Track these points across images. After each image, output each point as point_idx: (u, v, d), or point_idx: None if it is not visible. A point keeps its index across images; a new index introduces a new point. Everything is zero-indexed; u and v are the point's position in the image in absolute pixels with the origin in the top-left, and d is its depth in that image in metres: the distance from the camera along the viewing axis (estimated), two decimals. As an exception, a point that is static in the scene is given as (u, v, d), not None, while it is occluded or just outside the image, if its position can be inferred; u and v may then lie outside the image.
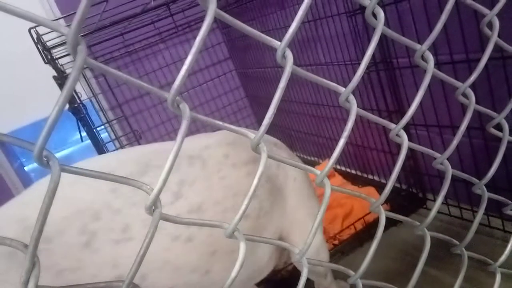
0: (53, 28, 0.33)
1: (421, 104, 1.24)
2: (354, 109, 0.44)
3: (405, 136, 0.48)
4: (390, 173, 1.66)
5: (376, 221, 1.41)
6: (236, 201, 0.79)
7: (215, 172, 0.80)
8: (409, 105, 1.34)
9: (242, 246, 0.41)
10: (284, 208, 0.89)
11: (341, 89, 0.44)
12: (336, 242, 1.40)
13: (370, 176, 1.72)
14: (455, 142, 0.49)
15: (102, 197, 0.70)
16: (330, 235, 1.41)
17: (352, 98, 0.44)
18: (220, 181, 0.79)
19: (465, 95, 0.51)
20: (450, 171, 0.50)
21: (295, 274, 1.24)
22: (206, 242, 0.76)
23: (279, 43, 0.40)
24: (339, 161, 1.90)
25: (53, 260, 0.64)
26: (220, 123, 0.41)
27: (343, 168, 1.90)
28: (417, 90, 1.39)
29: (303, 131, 2.12)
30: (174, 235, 0.73)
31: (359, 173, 1.80)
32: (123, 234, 0.69)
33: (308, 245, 0.45)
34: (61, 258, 0.65)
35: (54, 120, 0.30)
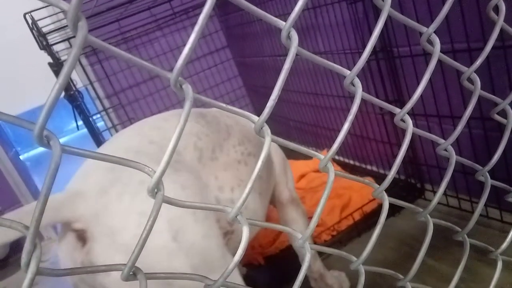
0: (53, 3, 0.32)
1: (421, 94, 1.24)
2: (359, 93, 0.44)
3: (410, 121, 0.47)
4: (389, 163, 1.66)
5: (374, 212, 1.41)
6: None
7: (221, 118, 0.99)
8: (409, 95, 1.33)
9: (245, 230, 0.40)
10: (274, 174, 1.12)
11: (346, 72, 0.44)
12: (334, 233, 1.40)
13: (369, 167, 1.72)
14: (459, 127, 0.49)
15: (196, 127, 0.88)
16: (328, 226, 1.41)
17: (357, 81, 0.44)
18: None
19: (470, 80, 0.50)
20: (454, 157, 0.49)
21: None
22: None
23: (283, 23, 0.39)
24: (337, 151, 1.90)
25: (182, 170, 0.77)
26: (223, 104, 0.40)
27: (341, 158, 1.90)
28: (418, 79, 1.37)
29: (302, 121, 2.11)
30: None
31: (357, 163, 1.80)
32: (213, 153, 0.87)
33: (311, 229, 0.45)
34: (187, 168, 0.79)
35: (55, 97, 0.29)
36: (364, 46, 1.48)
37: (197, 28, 0.34)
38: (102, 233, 0.64)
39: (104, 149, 0.82)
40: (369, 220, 1.39)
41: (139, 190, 0.68)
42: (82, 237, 0.66)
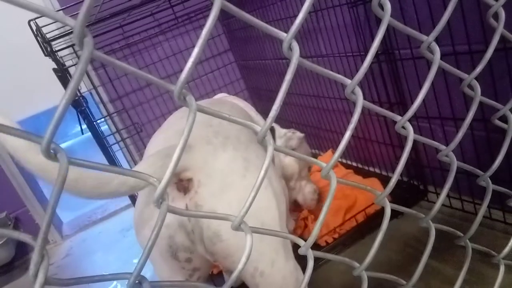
0: (59, 20, 0.32)
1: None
2: (360, 101, 0.44)
3: (410, 128, 0.48)
4: (391, 165, 1.64)
5: (377, 213, 1.41)
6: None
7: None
8: (411, 97, 1.33)
9: (249, 239, 0.41)
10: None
11: (347, 81, 0.44)
12: (336, 236, 1.39)
13: (371, 169, 1.72)
14: (460, 134, 0.49)
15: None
16: (330, 229, 1.41)
17: (358, 90, 0.44)
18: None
19: (470, 86, 0.51)
20: (455, 163, 0.50)
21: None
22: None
23: (285, 34, 0.40)
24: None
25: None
26: (226, 115, 0.41)
27: (343, 161, 1.90)
28: (419, 81, 1.36)
29: (304, 123, 2.11)
30: None
31: (359, 166, 1.80)
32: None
33: (314, 237, 0.45)
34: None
35: (61, 112, 0.30)
36: (365, 49, 1.49)
37: (200, 41, 0.35)
38: (209, 177, 0.70)
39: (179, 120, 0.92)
40: (372, 222, 1.38)
41: (239, 142, 0.77)
42: (183, 187, 0.71)
